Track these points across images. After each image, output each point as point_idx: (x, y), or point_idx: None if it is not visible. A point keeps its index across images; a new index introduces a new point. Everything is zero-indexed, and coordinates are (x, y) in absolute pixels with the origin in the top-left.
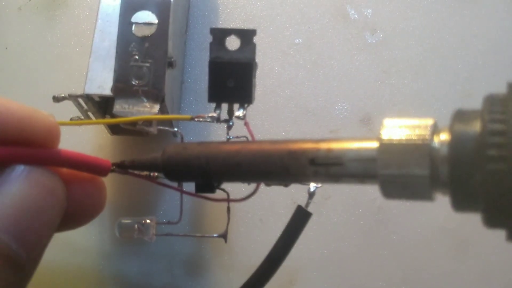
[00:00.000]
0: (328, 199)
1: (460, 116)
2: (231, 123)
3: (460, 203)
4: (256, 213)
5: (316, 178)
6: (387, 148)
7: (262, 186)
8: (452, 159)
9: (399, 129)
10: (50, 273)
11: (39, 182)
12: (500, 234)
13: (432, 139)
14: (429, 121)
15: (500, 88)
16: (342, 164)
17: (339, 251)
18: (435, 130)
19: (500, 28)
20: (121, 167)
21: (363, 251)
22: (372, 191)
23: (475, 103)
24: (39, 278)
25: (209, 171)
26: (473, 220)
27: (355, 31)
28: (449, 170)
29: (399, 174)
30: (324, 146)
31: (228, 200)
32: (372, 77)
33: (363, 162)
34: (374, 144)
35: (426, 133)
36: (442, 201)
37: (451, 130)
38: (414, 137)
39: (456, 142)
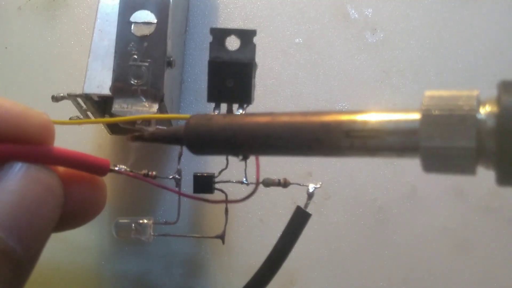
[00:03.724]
0: (328, 199)
1: (508, 87)
2: None
3: (507, 177)
4: (257, 213)
5: (352, 151)
6: (431, 120)
7: (261, 186)
8: (501, 132)
9: (442, 99)
10: (50, 272)
11: (36, 179)
12: (500, 234)
13: (478, 110)
14: (474, 92)
15: None
16: (380, 136)
17: (339, 251)
18: (480, 101)
19: (500, 28)
20: (140, 140)
21: (363, 251)
22: (372, 191)
23: None
24: (38, 278)
25: (235, 144)
26: (473, 220)
27: (355, 31)
28: (497, 143)
29: (443, 146)
30: (360, 118)
31: (226, 201)
32: (372, 77)
33: (403, 135)
34: (415, 116)
35: (472, 103)
36: (442, 201)
37: (499, 102)
38: (459, 108)
39: (505, 114)
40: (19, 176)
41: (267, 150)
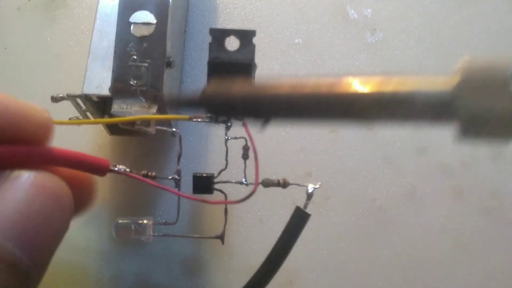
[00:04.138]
0: (328, 199)
1: None
2: (229, 124)
3: None
4: (256, 213)
5: (383, 118)
6: (469, 83)
7: (261, 187)
8: None
9: (480, 64)
10: (49, 272)
11: (45, 189)
12: (500, 234)
13: None
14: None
15: None
16: (414, 102)
17: (339, 251)
18: None
19: (500, 28)
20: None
21: (363, 251)
22: (372, 191)
23: None
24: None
25: (254, 108)
26: (473, 220)
27: (355, 31)
28: None
29: (482, 108)
30: (392, 83)
31: (225, 202)
32: None
33: (437, 100)
34: (450, 80)
35: (509, 66)
36: (442, 201)
37: None
38: (498, 71)
39: None
40: (27, 185)
41: (291, 119)
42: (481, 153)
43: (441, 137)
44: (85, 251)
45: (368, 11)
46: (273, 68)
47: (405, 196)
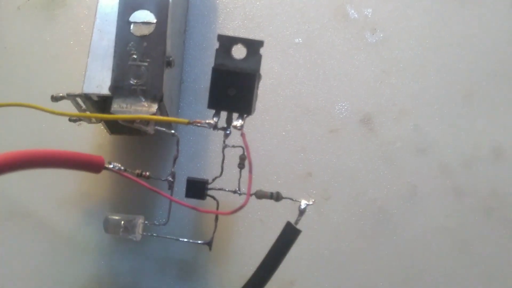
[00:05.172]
0: (328, 199)
1: None
2: (228, 132)
3: None
4: (256, 213)
5: None
6: None
7: (253, 198)
8: None
9: None
10: (49, 272)
11: None
12: (500, 234)
13: None
14: None
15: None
16: None
17: (339, 251)
18: None
19: (500, 28)
20: None
21: (364, 251)
22: (372, 191)
23: (475, 103)
24: (36, 277)
25: None
26: (473, 220)
27: (355, 31)
28: None
29: None
30: None
31: (215, 212)
32: (372, 77)
33: None
34: None
35: None
36: (442, 201)
37: None
38: None
39: None
40: None
41: None
42: (482, 153)
43: (441, 137)
44: (85, 250)
45: (368, 10)
46: (273, 67)
47: (405, 196)
